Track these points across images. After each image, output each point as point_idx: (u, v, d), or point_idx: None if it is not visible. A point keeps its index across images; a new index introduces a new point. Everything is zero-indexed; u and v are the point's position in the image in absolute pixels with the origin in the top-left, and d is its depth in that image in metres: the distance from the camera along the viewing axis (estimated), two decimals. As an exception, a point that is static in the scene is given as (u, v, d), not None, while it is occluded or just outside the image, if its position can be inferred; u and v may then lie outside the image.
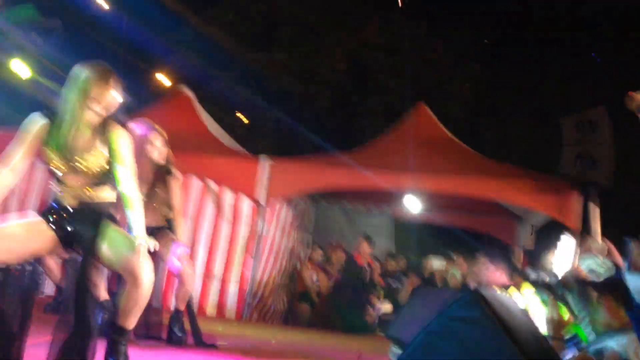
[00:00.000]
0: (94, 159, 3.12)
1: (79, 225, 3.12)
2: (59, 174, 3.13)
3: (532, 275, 7.07)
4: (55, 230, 3.11)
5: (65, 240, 3.13)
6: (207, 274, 6.86)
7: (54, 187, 3.18)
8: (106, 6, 11.85)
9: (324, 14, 16.27)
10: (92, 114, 3.10)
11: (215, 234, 6.98)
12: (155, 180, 4.47)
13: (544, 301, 6.38)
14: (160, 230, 4.44)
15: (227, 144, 8.03)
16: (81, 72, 3.10)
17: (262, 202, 6.94)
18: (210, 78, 15.10)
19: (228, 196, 7.03)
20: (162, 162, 4.49)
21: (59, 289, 5.77)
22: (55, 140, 3.10)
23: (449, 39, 16.76)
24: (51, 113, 3.14)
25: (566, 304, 6.16)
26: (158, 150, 4.46)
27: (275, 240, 7.57)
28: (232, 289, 6.89)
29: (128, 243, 3.01)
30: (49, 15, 6.73)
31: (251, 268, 6.91)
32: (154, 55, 14.03)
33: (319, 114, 15.84)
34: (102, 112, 3.12)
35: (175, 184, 4.57)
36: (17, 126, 3.21)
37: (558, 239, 7.09)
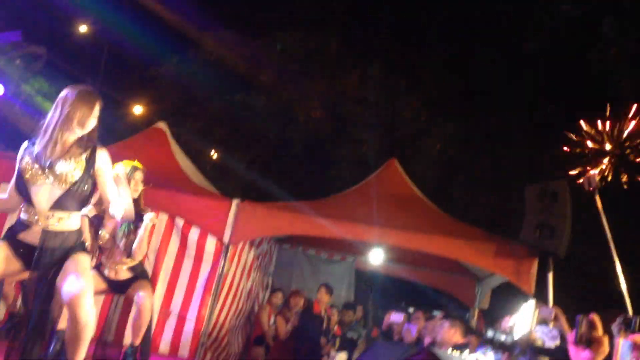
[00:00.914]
0: (69, 168, 3.15)
1: (45, 261, 3.14)
2: (31, 188, 3.15)
3: (489, 333, 7.22)
4: (22, 261, 3.17)
5: (31, 267, 3.17)
6: (165, 311, 6.81)
7: (23, 213, 3.20)
8: (88, 34, 12.00)
9: (305, 63, 16.64)
10: (72, 135, 3.19)
11: (176, 270, 6.96)
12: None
13: (497, 360, 6.50)
14: (134, 279, 4.54)
15: (199, 183, 8.09)
16: (68, 94, 3.19)
17: (226, 241, 6.97)
18: (189, 115, 15.23)
19: (193, 234, 7.05)
20: (135, 197, 4.50)
21: (10, 314, 5.70)
22: (32, 152, 3.18)
23: (425, 96, 17.23)
24: (35, 135, 3.23)
25: (519, 364, 6.29)
26: (137, 187, 4.52)
27: (235, 280, 7.58)
28: (188, 328, 6.84)
29: (75, 279, 3.05)
30: (34, 43, 6.83)
31: (209, 307, 6.89)
32: (134, 89, 14.15)
33: (292, 159, 16.02)
34: (81, 133, 3.21)
35: (148, 226, 4.54)
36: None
37: (515, 301, 7.27)
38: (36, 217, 3.14)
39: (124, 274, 4.56)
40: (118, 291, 4.62)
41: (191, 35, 15.25)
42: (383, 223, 7.11)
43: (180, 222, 7.03)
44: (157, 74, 15.42)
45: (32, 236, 3.15)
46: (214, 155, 16.10)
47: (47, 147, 3.13)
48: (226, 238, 6.97)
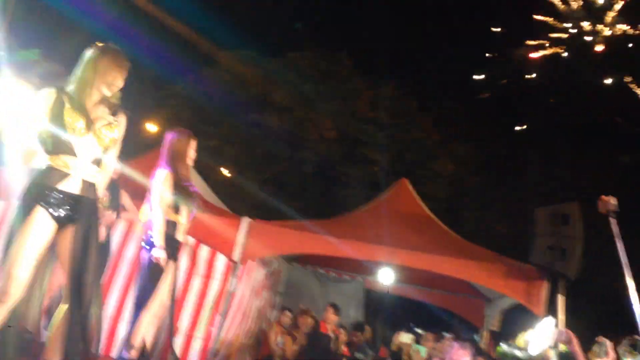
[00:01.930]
0: (108, 128, 3.32)
1: (85, 211, 3.23)
2: (74, 140, 3.20)
3: (504, 347, 7.15)
4: (53, 215, 3.17)
5: (61, 222, 3.21)
6: (173, 329, 6.78)
7: (57, 163, 3.20)
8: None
9: (318, 83, 16.76)
10: (99, 95, 3.30)
11: (186, 288, 6.96)
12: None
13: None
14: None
15: (210, 201, 8.12)
16: (98, 54, 3.29)
17: (237, 259, 6.97)
18: (201, 133, 15.32)
19: (204, 251, 7.06)
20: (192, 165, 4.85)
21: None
22: (72, 106, 3.23)
23: (437, 118, 17.27)
24: (61, 84, 3.31)
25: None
26: (193, 155, 4.79)
27: (245, 299, 7.55)
28: (196, 346, 6.81)
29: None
30: (52, 61, 7.00)
31: (218, 326, 6.87)
32: (149, 106, 14.29)
33: (303, 179, 16.07)
34: (108, 93, 3.33)
35: None
36: None
37: (527, 323, 7.20)
38: (77, 169, 3.22)
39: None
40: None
41: (206, 54, 15.42)
42: (393, 243, 7.09)
43: (190, 239, 7.03)
44: (171, 93, 15.57)
45: (72, 185, 3.21)
46: (227, 173, 16.16)
47: (87, 105, 3.24)
48: (236, 256, 6.98)
